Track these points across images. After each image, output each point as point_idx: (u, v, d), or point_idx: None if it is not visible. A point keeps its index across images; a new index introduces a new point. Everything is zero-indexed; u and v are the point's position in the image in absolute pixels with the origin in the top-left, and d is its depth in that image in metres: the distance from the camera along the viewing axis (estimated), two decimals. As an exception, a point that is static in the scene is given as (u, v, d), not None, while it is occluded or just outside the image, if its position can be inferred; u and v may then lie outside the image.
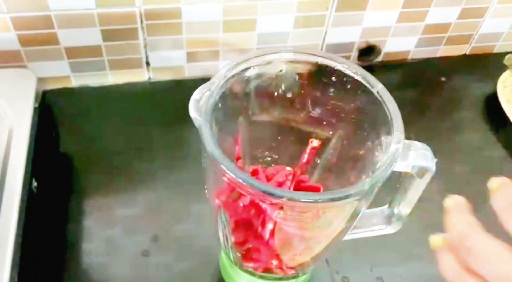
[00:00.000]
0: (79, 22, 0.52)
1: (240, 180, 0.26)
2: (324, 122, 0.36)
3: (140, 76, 0.60)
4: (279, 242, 0.32)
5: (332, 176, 0.38)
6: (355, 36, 0.62)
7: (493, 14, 0.65)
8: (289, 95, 0.35)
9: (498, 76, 0.62)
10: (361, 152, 0.33)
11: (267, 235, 0.32)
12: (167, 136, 0.54)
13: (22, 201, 0.37)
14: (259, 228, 0.33)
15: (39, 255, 0.42)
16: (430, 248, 0.27)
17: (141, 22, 0.53)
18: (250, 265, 0.36)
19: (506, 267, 0.22)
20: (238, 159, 0.38)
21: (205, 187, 0.34)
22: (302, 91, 0.34)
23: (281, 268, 0.35)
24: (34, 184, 0.41)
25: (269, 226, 0.32)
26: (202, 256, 0.45)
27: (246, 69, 0.32)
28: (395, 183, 0.33)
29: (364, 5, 0.58)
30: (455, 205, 0.27)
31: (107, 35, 0.54)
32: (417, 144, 0.30)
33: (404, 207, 0.34)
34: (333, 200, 0.26)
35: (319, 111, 0.35)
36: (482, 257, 0.23)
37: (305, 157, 0.36)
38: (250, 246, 0.34)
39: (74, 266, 0.43)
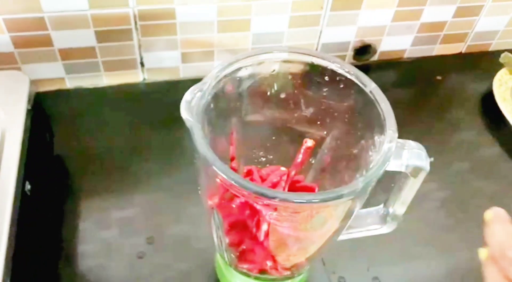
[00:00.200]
0: (72, 24, 0.52)
1: (232, 181, 0.26)
2: (318, 122, 0.35)
3: (134, 77, 0.60)
4: (273, 242, 0.32)
5: (327, 175, 0.37)
6: (351, 36, 0.62)
7: (488, 12, 0.64)
8: (283, 95, 0.35)
9: (494, 74, 0.62)
10: (355, 152, 0.33)
11: (262, 236, 0.32)
12: (163, 138, 0.54)
13: (15, 203, 0.36)
14: (254, 230, 0.32)
15: (33, 259, 0.41)
16: (480, 259, 0.27)
17: (135, 23, 0.53)
18: (245, 266, 0.36)
19: None
20: (232, 159, 0.38)
21: (198, 188, 0.34)
22: (295, 91, 0.34)
23: (276, 269, 0.35)
24: (28, 186, 0.40)
25: (264, 227, 0.32)
26: (198, 258, 0.44)
27: (239, 69, 0.31)
28: (391, 183, 0.33)
29: (359, 4, 0.58)
30: (495, 216, 0.27)
31: (101, 36, 0.54)
32: (411, 143, 0.30)
33: (399, 207, 0.34)
34: (326, 200, 0.26)
35: (313, 111, 0.35)
36: None
37: (300, 157, 0.36)
38: (245, 247, 0.34)
39: (70, 269, 0.43)
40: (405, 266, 0.46)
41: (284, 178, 0.36)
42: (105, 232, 0.45)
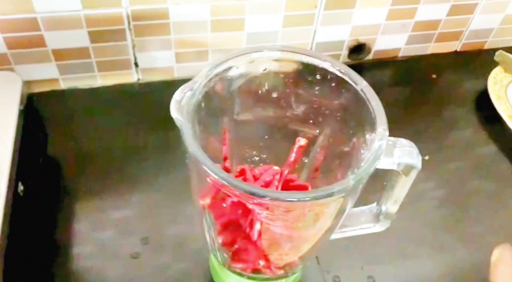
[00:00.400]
0: (65, 24, 0.51)
1: (223, 180, 0.26)
2: (311, 121, 0.35)
3: (129, 77, 0.59)
4: (265, 242, 0.32)
5: (320, 175, 0.37)
6: (345, 35, 0.62)
7: (483, 10, 0.64)
8: (274, 94, 0.35)
9: (489, 72, 0.62)
10: (348, 150, 0.33)
11: (255, 236, 0.32)
12: (158, 138, 0.54)
13: (7, 204, 0.36)
14: (247, 229, 0.32)
15: (26, 260, 0.41)
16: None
17: (129, 23, 0.53)
18: (238, 266, 0.36)
19: None
20: (225, 159, 0.37)
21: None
22: (287, 90, 0.34)
23: (269, 268, 0.35)
24: (21, 187, 0.40)
25: (257, 226, 0.32)
26: (193, 258, 0.44)
27: (230, 68, 0.31)
28: (385, 181, 0.33)
29: (352, 3, 0.58)
30: (501, 257, 0.27)
31: (95, 36, 0.53)
32: (402, 141, 0.30)
33: (391, 205, 0.33)
34: (317, 198, 0.26)
35: (305, 109, 0.35)
36: None
37: (293, 156, 0.36)
38: (237, 246, 0.34)
39: (65, 271, 0.43)
40: (400, 265, 0.45)
41: (277, 177, 0.36)
42: (100, 233, 0.45)
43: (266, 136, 0.38)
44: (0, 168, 0.38)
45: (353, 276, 0.44)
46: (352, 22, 0.61)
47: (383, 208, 0.34)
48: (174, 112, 0.27)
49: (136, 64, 0.58)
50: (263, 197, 0.26)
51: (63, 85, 0.58)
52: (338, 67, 0.32)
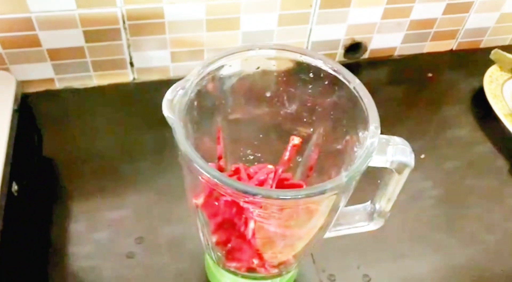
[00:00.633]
0: (60, 24, 0.51)
1: (215, 179, 0.26)
2: (304, 119, 0.35)
3: (124, 77, 0.59)
4: (259, 240, 0.32)
5: (314, 173, 0.37)
6: (341, 34, 0.62)
7: (479, 9, 0.65)
8: (268, 93, 0.34)
9: (485, 71, 0.62)
10: (341, 148, 0.33)
11: (250, 234, 0.32)
12: (153, 138, 0.54)
13: (0, 204, 0.36)
14: (242, 228, 0.32)
15: (21, 261, 0.41)
16: None
17: (123, 22, 0.53)
18: (232, 264, 0.36)
19: None
20: (220, 158, 0.37)
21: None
22: (281, 89, 0.34)
23: (263, 266, 0.35)
24: (15, 187, 0.40)
25: (251, 225, 0.32)
26: (189, 258, 0.44)
27: (222, 66, 0.31)
28: (380, 180, 0.33)
29: (348, 2, 0.58)
30: None
31: (90, 36, 0.53)
32: (396, 139, 0.30)
33: (385, 203, 0.33)
34: (309, 195, 0.26)
35: (299, 108, 0.35)
36: None
37: (287, 155, 0.36)
38: (231, 245, 0.34)
39: (60, 271, 0.42)
40: (396, 264, 0.45)
41: (271, 175, 0.36)
42: (95, 233, 0.45)
43: (261, 135, 0.38)
44: (-6, 167, 0.38)
45: (348, 275, 0.44)
46: (347, 21, 0.61)
47: (377, 206, 0.34)
48: (166, 111, 0.27)
49: (132, 64, 0.58)
50: (255, 195, 0.26)
51: (58, 85, 0.58)
52: (331, 65, 0.31)
